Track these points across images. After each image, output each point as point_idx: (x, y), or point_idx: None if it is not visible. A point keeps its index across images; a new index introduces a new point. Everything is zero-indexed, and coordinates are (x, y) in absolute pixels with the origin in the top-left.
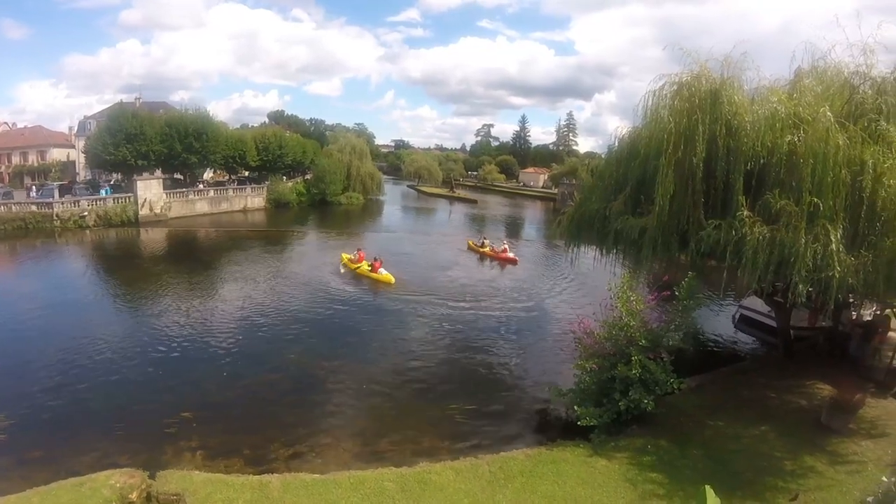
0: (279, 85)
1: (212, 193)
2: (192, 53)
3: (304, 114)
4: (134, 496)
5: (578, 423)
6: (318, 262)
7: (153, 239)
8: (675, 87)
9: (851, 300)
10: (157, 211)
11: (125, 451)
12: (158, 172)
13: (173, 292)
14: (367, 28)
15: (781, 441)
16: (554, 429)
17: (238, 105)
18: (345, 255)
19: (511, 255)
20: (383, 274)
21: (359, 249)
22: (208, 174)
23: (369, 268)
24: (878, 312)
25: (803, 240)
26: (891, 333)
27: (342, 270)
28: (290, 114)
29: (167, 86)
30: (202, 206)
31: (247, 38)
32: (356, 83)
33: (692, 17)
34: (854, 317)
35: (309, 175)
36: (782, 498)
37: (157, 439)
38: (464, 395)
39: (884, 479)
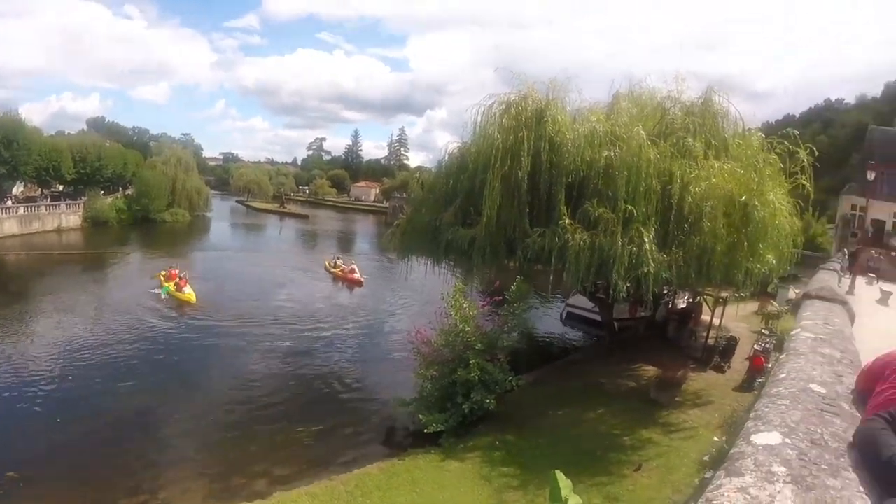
0: (102, 88)
1: (21, 211)
2: (5, 47)
3: (128, 121)
4: None
5: (426, 430)
6: (141, 286)
7: None
8: (503, 106)
9: (666, 291)
10: None
11: None
12: None
13: None
14: (203, 31)
15: (618, 420)
16: (404, 439)
17: (55, 108)
18: (162, 274)
19: (357, 276)
20: (185, 293)
21: (171, 268)
22: (18, 188)
23: (175, 287)
24: (691, 300)
25: (620, 242)
26: (703, 317)
27: (160, 293)
28: (111, 121)
29: None
30: (11, 227)
31: (70, 32)
32: (186, 89)
33: (522, 43)
34: (671, 305)
35: (130, 190)
36: (627, 470)
37: None
38: (310, 417)
39: (715, 439)
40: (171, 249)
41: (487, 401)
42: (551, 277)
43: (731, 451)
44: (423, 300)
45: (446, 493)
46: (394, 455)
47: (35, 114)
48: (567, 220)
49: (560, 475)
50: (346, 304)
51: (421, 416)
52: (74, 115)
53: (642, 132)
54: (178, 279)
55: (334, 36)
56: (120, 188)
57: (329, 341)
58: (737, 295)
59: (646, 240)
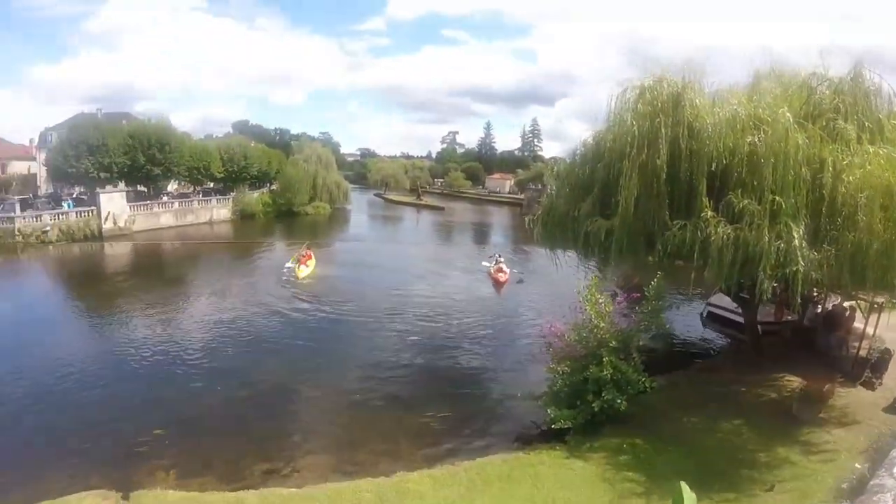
0: (243, 95)
1: (176, 206)
2: (153, 63)
3: (269, 123)
4: None
5: (553, 426)
6: (286, 273)
7: (118, 253)
8: (637, 92)
9: (817, 293)
10: (122, 224)
11: (97, 472)
12: (121, 185)
13: (141, 308)
14: (332, 37)
15: (754, 433)
16: (529, 433)
17: (202, 115)
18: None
19: (502, 276)
20: (299, 269)
21: (307, 245)
22: (173, 186)
23: (306, 267)
24: (843, 304)
25: (766, 237)
26: (856, 324)
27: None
28: (254, 123)
29: (129, 97)
30: (167, 219)
31: (210, 47)
32: (321, 92)
33: (648, 29)
34: (820, 310)
35: (275, 185)
36: (758, 489)
37: (129, 459)
38: (438, 403)
39: (857, 465)
40: (311, 240)
41: (619, 401)
42: (692, 274)
43: (870, 483)
44: (555, 293)
45: (567, 491)
46: (518, 448)
47: (184, 120)
48: (709, 213)
49: (685, 487)
50: (484, 298)
51: (549, 411)
52: (220, 120)
53: (788, 114)
54: (303, 255)
55: (458, 31)
56: (266, 184)
57: (463, 333)
58: (894, 301)
59: (795, 235)
